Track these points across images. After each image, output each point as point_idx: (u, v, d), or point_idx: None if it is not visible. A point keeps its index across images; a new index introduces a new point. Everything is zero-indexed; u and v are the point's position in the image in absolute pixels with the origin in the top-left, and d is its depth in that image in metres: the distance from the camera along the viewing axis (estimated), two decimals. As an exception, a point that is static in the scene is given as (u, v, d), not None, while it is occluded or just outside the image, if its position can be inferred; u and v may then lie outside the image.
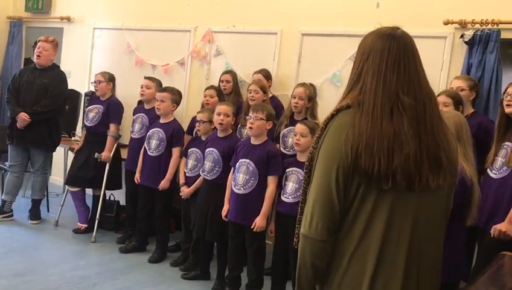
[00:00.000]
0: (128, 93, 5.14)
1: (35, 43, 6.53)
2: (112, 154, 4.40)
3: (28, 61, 6.68)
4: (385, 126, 1.39)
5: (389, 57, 1.44)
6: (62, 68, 6.22)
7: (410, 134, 1.39)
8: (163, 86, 4.35)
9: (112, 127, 4.44)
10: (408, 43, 1.48)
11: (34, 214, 4.71)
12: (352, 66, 1.54)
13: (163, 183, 3.99)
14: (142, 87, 4.37)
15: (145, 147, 4.12)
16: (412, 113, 1.41)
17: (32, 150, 4.61)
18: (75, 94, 5.76)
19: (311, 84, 3.94)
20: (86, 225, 4.50)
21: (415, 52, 1.48)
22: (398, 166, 1.37)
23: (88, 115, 4.51)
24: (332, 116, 1.46)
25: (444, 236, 1.55)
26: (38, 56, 4.53)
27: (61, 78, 4.64)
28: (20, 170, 4.66)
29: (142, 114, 4.36)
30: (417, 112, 1.42)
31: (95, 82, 4.52)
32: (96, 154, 4.35)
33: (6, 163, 4.78)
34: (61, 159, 5.54)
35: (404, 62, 1.45)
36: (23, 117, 4.39)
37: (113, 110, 4.45)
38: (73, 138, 5.26)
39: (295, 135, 3.26)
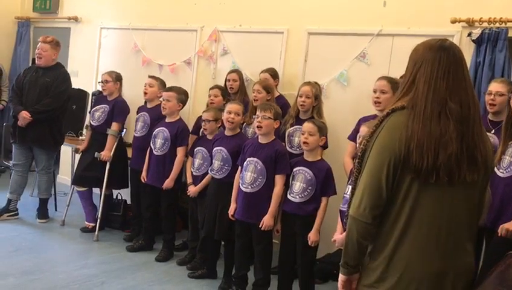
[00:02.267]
0: (135, 92, 5.16)
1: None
2: (112, 153, 4.39)
3: (35, 61, 6.73)
4: (433, 128, 1.58)
5: (440, 67, 1.63)
6: (69, 68, 6.29)
7: (454, 136, 1.59)
8: (170, 85, 4.35)
9: (114, 125, 4.42)
10: (456, 53, 1.67)
11: (42, 213, 4.73)
12: (405, 73, 1.73)
13: (167, 183, 4.00)
14: (145, 86, 4.38)
15: (150, 146, 4.13)
16: (457, 116, 1.61)
17: (35, 149, 4.61)
18: (82, 94, 5.78)
19: (316, 83, 3.94)
20: (93, 224, 4.52)
21: (462, 61, 1.67)
22: (442, 163, 1.58)
23: (94, 115, 4.50)
24: (388, 114, 1.66)
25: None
26: (39, 58, 4.53)
27: (64, 77, 4.62)
28: (24, 169, 4.66)
29: (144, 113, 4.37)
30: (462, 116, 1.62)
31: (102, 82, 4.52)
32: (96, 154, 4.36)
33: (11, 162, 4.79)
34: (69, 158, 5.56)
35: (453, 71, 1.63)
36: (23, 115, 4.38)
37: (118, 109, 4.45)
38: (80, 138, 5.29)
39: (303, 133, 3.26)
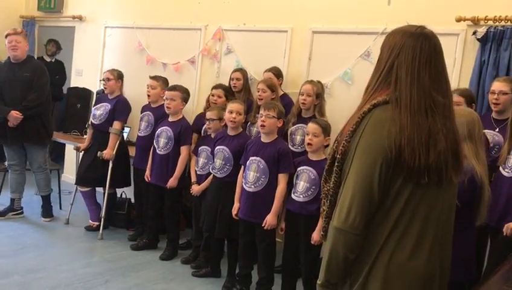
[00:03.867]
0: (139, 91, 5.16)
1: (48, 43, 6.62)
2: (114, 151, 4.37)
3: (40, 60, 6.74)
4: (421, 122, 1.45)
5: (421, 55, 1.49)
6: (74, 67, 6.32)
7: (443, 131, 1.47)
8: (174, 84, 4.35)
9: (116, 124, 4.40)
10: (437, 42, 1.53)
11: (46, 211, 4.75)
12: (378, 61, 1.57)
13: (171, 182, 4.00)
14: (147, 87, 4.38)
15: (154, 146, 4.13)
16: (443, 111, 1.49)
17: (28, 147, 4.56)
18: (87, 92, 5.81)
19: (319, 82, 3.94)
20: (97, 223, 4.53)
21: (441, 51, 1.54)
22: (433, 162, 1.44)
23: (95, 113, 4.48)
24: (369, 110, 1.49)
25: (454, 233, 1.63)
26: (14, 49, 4.39)
27: (42, 69, 4.54)
28: (21, 167, 4.64)
29: (148, 112, 4.38)
30: (445, 110, 1.50)
31: (103, 80, 4.50)
32: (98, 153, 4.36)
33: (6, 163, 4.76)
34: (73, 156, 5.58)
35: (434, 61, 1.50)
36: (15, 115, 4.29)
37: (120, 107, 4.43)
38: (84, 136, 5.30)
39: (307, 134, 3.25)
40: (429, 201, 1.49)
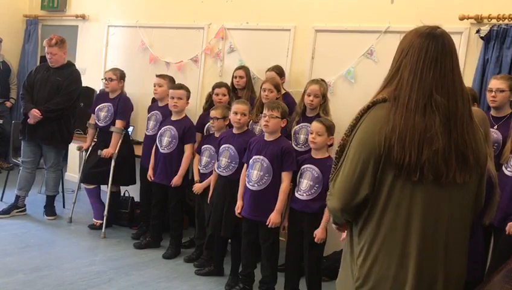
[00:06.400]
0: (142, 90, 5.18)
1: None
2: (116, 150, 4.40)
3: (44, 59, 6.75)
4: (417, 121, 1.47)
5: (427, 55, 1.51)
6: (77, 66, 6.27)
7: (440, 131, 1.47)
8: (177, 83, 4.34)
9: (118, 123, 4.42)
10: (447, 42, 1.54)
11: (49, 210, 4.77)
12: (392, 61, 1.61)
13: (176, 180, 4.01)
14: (154, 86, 4.39)
15: (156, 145, 4.14)
16: (444, 111, 1.49)
17: (44, 146, 4.65)
18: (90, 91, 5.82)
19: (323, 80, 3.93)
20: (101, 221, 4.53)
21: (452, 51, 1.55)
22: (427, 160, 1.46)
23: (99, 115, 4.50)
24: (369, 107, 1.55)
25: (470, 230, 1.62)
26: (50, 61, 4.58)
27: (75, 77, 4.66)
28: (32, 166, 4.70)
29: (156, 111, 4.38)
30: (449, 110, 1.50)
31: (105, 79, 4.51)
32: (99, 152, 4.38)
33: (19, 159, 4.82)
34: (77, 155, 5.60)
35: (441, 61, 1.51)
36: (34, 113, 4.42)
37: (122, 107, 4.45)
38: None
39: (311, 133, 3.25)
40: (428, 200, 1.50)
